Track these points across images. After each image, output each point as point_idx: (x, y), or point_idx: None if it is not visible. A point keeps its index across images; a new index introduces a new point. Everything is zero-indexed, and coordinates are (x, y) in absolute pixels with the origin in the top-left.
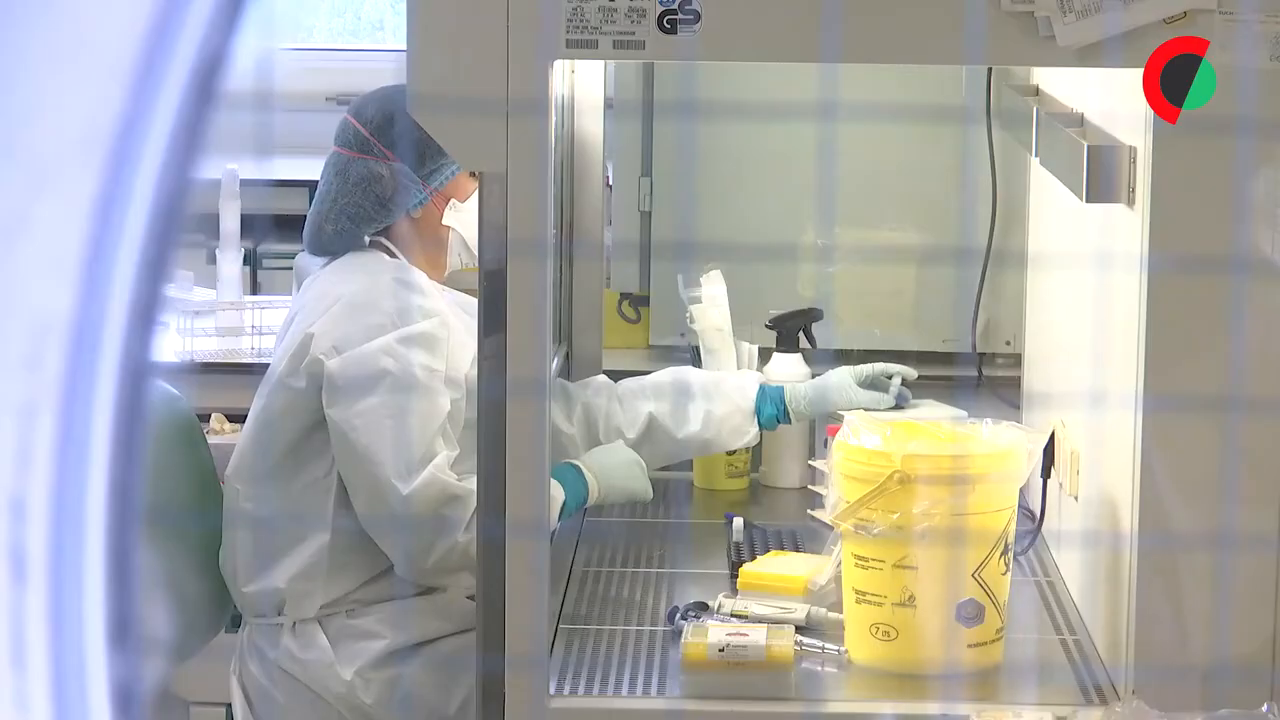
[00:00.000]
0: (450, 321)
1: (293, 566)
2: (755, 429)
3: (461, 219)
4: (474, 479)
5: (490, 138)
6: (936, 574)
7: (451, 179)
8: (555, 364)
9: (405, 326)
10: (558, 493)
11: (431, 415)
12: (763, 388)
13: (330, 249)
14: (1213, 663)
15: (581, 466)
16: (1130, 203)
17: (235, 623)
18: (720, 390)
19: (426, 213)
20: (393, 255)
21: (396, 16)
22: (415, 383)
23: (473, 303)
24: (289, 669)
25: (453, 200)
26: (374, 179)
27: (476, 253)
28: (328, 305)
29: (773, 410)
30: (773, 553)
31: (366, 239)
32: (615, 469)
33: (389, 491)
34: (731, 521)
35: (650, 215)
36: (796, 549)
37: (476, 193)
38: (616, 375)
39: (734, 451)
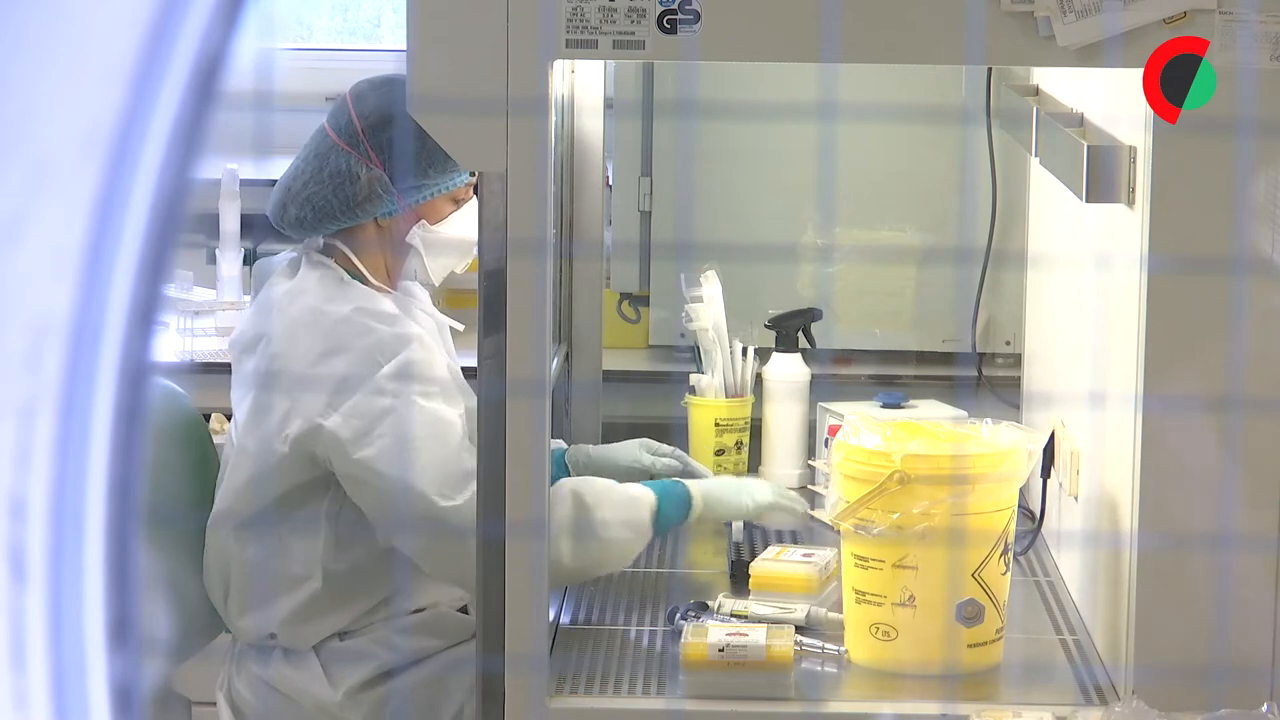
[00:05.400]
0: (425, 337)
1: (284, 610)
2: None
3: (428, 239)
4: (586, 483)
5: (490, 138)
6: (936, 574)
7: (428, 200)
8: (555, 364)
9: (388, 362)
10: (647, 495)
11: (447, 432)
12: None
13: (290, 229)
14: (1213, 663)
15: (685, 482)
16: (1130, 203)
17: None
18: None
19: (394, 224)
20: (347, 259)
21: (394, 14)
22: (420, 411)
23: (425, 302)
24: (280, 688)
25: (423, 220)
26: (349, 178)
27: (433, 278)
28: (300, 352)
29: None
30: (783, 547)
31: (321, 240)
32: (721, 485)
33: (435, 510)
34: (731, 522)
35: (650, 215)
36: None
37: (448, 218)
38: (616, 375)
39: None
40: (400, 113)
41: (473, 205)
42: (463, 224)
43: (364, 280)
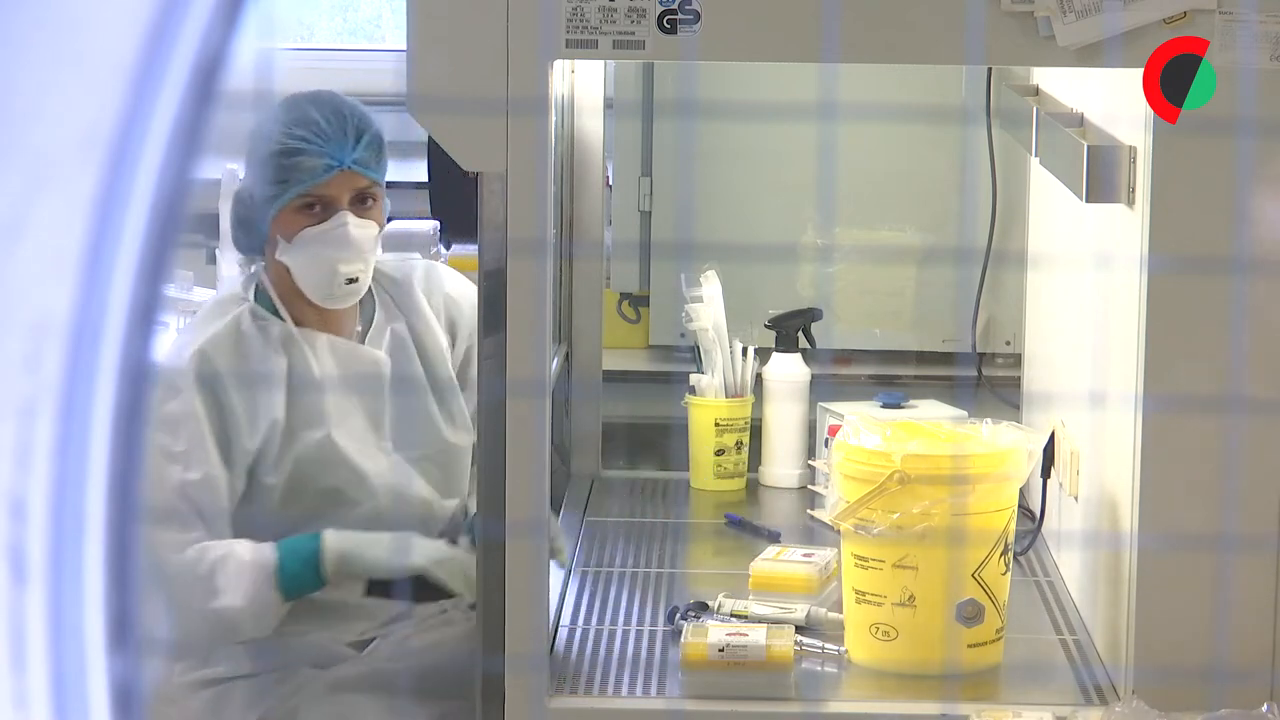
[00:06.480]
0: (212, 398)
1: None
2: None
3: (295, 259)
4: (210, 549)
5: (490, 138)
6: (936, 574)
7: (275, 215)
8: (555, 364)
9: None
10: (268, 561)
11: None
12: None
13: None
14: (1213, 663)
15: (326, 535)
16: (1130, 203)
17: None
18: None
19: (271, 239)
20: (260, 277)
21: (394, 14)
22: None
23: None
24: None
25: (279, 238)
26: (233, 192)
27: (310, 295)
28: None
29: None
30: (783, 547)
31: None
32: (370, 541)
33: None
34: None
35: (650, 215)
36: None
37: (303, 233)
38: (616, 375)
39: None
40: (260, 130)
41: (345, 219)
42: (321, 237)
43: (269, 299)
